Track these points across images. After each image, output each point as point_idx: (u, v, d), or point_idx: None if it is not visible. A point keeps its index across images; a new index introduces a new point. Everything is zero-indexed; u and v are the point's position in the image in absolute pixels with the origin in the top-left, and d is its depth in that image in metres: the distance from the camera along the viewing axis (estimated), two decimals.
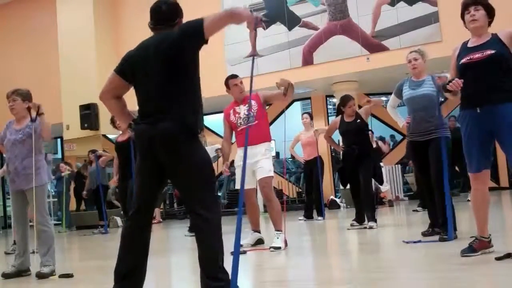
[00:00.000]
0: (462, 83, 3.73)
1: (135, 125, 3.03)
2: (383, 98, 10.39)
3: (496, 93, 3.69)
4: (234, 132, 5.69)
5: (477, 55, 3.77)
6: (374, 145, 10.17)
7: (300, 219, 9.17)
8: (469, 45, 3.90)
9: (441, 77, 4.69)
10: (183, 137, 2.89)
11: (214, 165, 8.64)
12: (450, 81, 3.79)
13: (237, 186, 5.99)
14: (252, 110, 5.48)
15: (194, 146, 2.94)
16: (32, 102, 4.84)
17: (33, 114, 4.80)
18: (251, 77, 3.19)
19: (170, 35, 2.97)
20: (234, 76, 5.66)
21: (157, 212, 12.29)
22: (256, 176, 5.48)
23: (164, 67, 2.92)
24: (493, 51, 3.72)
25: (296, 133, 9.50)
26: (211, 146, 8.51)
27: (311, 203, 9.46)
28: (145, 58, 2.97)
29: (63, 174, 12.36)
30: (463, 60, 3.83)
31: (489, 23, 3.91)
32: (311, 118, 9.55)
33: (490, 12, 3.88)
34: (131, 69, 3.04)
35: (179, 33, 2.95)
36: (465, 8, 3.90)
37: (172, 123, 2.87)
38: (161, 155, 2.90)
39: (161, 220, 12.58)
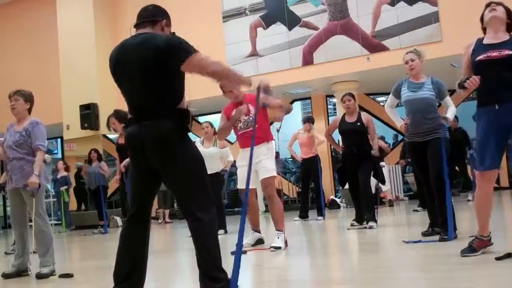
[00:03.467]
0: (479, 79, 3.70)
1: (126, 128, 3.00)
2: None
3: None
4: (234, 133, 5.67)
5: (495, 54, 3.75)
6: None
7: (296, 220, 9.16)
8: (485, 41, 3.87)
9: (446, 118, 5.00)
10: (174, 138, 2.85)
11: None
12: (467, 78, 3.75)
13: (237, 186, 5.97)
14: (251, 115, 5.43)
15: (186, 146, 2.91)
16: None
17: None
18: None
19: (154, 39, 2.88)
20: None
21: (166, 213, 12.19)
22: (259, 176, 5.47)
23: (147, 70, 2.84)
24: (511, 52, 3.70)
25: (295, 130, 9.47)
26: (225, 149, 8.01)
27: (306, 203, 9.45)
28: (127, 61, 2.89)
29: (61, 187, 12.33)
30: (480, 57, 3.80)
31: (508, 26, 3.89)
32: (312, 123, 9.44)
33: (510, 14, 3.88)
34: (113, 70, 2.98)
35: (168, 45, 2.82)
36: (487, 6, 3.92)
37: (162, 125, 2.82)
38: (152, 157, 2.85)
39: (167, 221, 12.21)
